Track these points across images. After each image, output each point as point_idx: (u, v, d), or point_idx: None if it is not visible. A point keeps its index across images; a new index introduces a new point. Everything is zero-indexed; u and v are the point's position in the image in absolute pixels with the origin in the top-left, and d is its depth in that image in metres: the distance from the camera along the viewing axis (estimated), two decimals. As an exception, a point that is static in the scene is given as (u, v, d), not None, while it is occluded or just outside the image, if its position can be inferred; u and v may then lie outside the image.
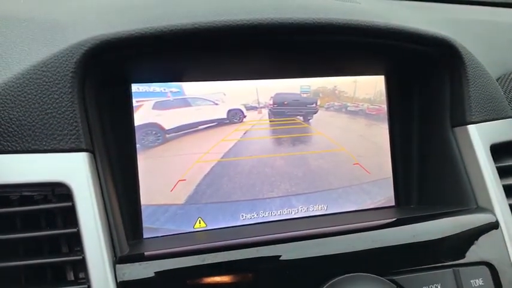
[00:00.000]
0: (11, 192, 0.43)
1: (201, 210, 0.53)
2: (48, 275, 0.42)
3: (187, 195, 0.52)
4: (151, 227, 0.51)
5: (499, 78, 0.78)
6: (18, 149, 0.42)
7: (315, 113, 0.58)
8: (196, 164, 0.53)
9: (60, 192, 0.42)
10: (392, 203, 0.61)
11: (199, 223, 0.53)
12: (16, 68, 0.44)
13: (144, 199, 0.51)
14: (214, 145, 0.54)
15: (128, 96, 0.52)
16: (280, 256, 0.44)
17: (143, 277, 0.41)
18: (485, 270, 0.48)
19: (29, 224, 0.43)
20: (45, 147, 0.42)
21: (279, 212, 0.55)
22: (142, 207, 0.51)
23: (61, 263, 0.41)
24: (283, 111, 0.57)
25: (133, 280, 0.40)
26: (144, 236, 0.51)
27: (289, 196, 0.56)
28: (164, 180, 0.52)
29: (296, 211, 0.56)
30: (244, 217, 0.54)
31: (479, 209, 0.52)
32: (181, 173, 0.52)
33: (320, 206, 0.57)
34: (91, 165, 0.43)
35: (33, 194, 0.43)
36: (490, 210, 0.52)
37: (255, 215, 0.55)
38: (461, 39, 0.58)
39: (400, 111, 0.61)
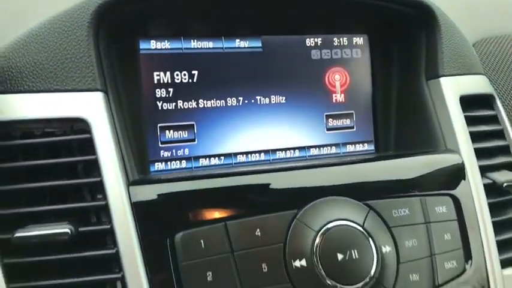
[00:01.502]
0: (35, 128, 0.49)
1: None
2: (68, 197, 0.48)
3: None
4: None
5: (475, 43, 0.85)
6: (41, 89, 0.49)
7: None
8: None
9: (78, 127, 0.49)
10: (372, 149, 0.68)
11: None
12: (40, 19, 0.50)
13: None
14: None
15: (135, 48, 0.58)
16: (269, 184, 0.50)
17: (153, 198, 0.47)
18: (449, 200, 0.55)
19: (51, 155, 0.49)
20: (65, 88, 0.49)
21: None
22: (148, 143, 0.58)
23: (80, 184, 0.48)
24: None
25: (145, 201, 0.47)
26: (151, 170, 0.58)
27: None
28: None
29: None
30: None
31: (448, 151, 0.59)
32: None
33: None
34: (105, 103, 0.50)
35: (54, 130, 0.50)
36: (456, 152, 0.58)
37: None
38: (440, 3, 0.65)
39: (381, 67, 0.68)
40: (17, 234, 0.44)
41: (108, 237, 0.46)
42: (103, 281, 0.45)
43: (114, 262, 0.45)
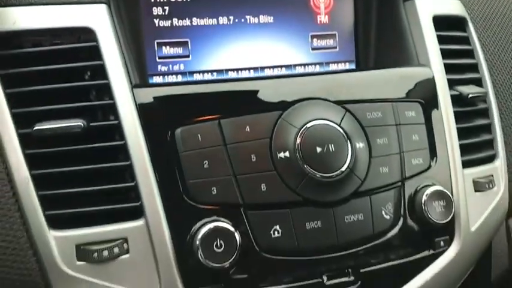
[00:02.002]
0: (44, 39, 0.54)
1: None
2: (77, 100, 0.54)
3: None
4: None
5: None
6: (51, 1, 0.54)
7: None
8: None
9: (84, 38, 0.54)
10: (354, 67, 0.74)
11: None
12: None
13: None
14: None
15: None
16: (258, 89, 0.57)
17: (155, 98, 0.53)
18: (418, 106, 0.62)
19: (60, 63, 0.55)
20: (72, 0, 0.54)
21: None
22: (147, 57, 0.63)
23: (89, 86, 0.54)
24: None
25: (149, 101, 0.53)
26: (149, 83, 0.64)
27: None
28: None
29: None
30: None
31: (420, 65, 0.65)
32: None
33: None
34: (109, 14, 0.55)
35: (62, 41, 0.55)
36: (428, 66, 0.65)
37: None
38: None
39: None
40: (36, 127, 0.50)
41: (116, 132, 0.52)
42: (114, 168, 0.51)
43: (123, 153, 0.52)
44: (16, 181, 0.50)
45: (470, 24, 0.73)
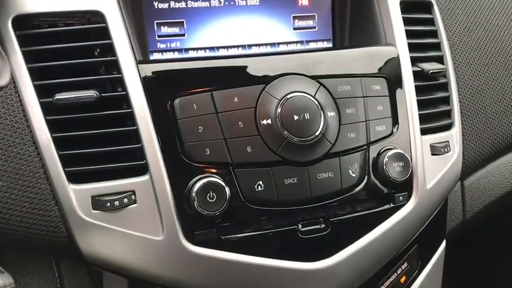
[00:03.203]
0: (58, 20, 0.63)
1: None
2: (88, 74, 0.63)
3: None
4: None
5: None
6: (64, -13, 0.62)
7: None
8: None
9: (94, 19, 0.63)
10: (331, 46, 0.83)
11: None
12: None
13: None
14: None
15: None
16: (246, 65, 0.66)
17: (157, 73, 0.62)
18: (383, 80, 0.71)
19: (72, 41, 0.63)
20: (84, -14, 0.62)
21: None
22: (148, 35, 0.71)
23: (99, 62, 0.62)
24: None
25: (152, 75, 0.62)
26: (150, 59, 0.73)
27: None
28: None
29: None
30: None
31: (387, 44, 0.75)
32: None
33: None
34: None
35: (74, 22, 0.63)
36: (394, 45, 0.74)
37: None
38: None
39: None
40: (57, 97, 0.59)
41: (124, 101, 0.61)
42: (122, 132, 0.61)
43: (130, 119, 0.61)
44: (39, 143, 0.59)
45: (435, 7, 0.82)
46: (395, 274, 0.75)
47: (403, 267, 0.75)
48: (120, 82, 0.61)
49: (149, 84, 0.62)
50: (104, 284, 0.65)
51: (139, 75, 0.62)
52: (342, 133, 0.67)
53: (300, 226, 0.66)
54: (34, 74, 0.60)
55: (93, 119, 0.61)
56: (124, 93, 0.61)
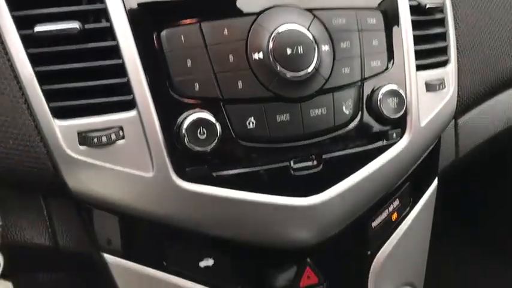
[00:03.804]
0: None
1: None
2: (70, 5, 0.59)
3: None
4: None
5: None
6: None
7: None
8: None
9: None
10: None
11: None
12: None
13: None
14: None
15: None
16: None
17: (143, 3, 0.59)
18: (379, 14, 0.68)
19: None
20: None
21: None
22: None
23: None
24: None
25: (137, 7, 0.58)
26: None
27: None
28: None
29: None
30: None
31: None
32: None
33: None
34: None
35: None
36: None
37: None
38: None
39: None
40: (37, 29, 0.56)
41: (109, 34, 0.59)
42: (108, 67, 0.58)
43: (115, 53, 0.59)
44: (21, 77, 0.57)
45: None
46: (387, 211, 0.75)
47: (394, 204, 0.76)
48: (104, 13, 0.58)
49: (134, 15, 0.59)
50: (95, 221, 0.65)
51: (124, 6, 0.58)
52: (336, 68, 0.65)
53: (291, 163, 0.65)
54: (12, 3, 0.57)
55: (77, 53, 0.58)
56: (108, 25, 0.58)
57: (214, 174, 0.62)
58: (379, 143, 0.69)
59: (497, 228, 1.66)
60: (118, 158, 0.59)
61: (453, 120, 0.82)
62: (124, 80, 0.59)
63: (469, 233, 1.76)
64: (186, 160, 0.60)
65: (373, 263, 0.75)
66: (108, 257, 0.65)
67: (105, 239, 0.65)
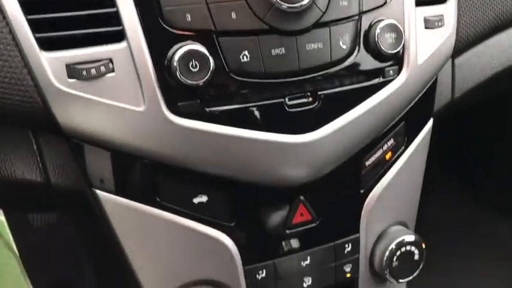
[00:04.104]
0: None
1: None
2: None
3: None
4: None
5: None
6: None
7: None
8: None
9: None
10: None
11: None
12: None
13: None
14: None
15: None
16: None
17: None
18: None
19: None
20: None
21: None
22: None
23: None
24: None
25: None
26: None
27: None
28: None
29: None
30: None
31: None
32: None
33: None
34: None
35: None
36: None
37: None
38: None
39: None
40: None
41: None
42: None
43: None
44: (5, 7, 0.54)
45: None
46: (381, 150, 0.75)
47: (389, 143, 0.75)
48: None
49: None
50: (86, 157, 0.64)
51: None
52: (334, 0, 0.62)
53: (286, 100, 0.64)
54: None
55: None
56: None
57: (207, 109, 0.60)
58: (376, 80, 0.68)
59: (488, 177, 1.68)
60: (108, 91, 0.57)
61: (450, 59, 0.80)
62: (113, 9, 0.56)
63: (457, 179, 1.78)
64: (178, 94, 0.59)
65: (366, 202, 0.75)
66: (101, 193, 0.64)
67: (98, 176, 0.64)
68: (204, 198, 0.66)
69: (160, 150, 0.62)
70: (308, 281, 0.74)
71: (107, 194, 0.65)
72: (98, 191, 0.64)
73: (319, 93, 0.65)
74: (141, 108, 0.58)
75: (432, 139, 0.83)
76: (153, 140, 0.61)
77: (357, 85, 0.67)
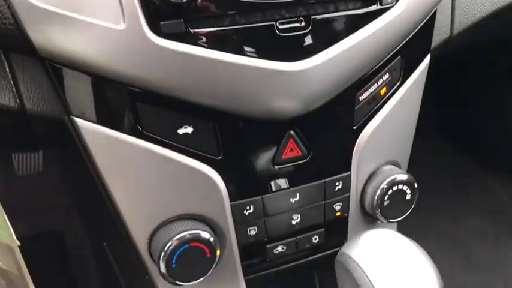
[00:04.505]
0: None
1: None
2: None
3: None
4: None
5: None
6: None
7: None
8: None
9: None
10: None
11: None
12: None
13: None
14: None
15: None
16: None
17: None
18: None
19: None
20: None
21: None
22: None
23: None
24: None
25: None
26: None
27: None
28: None
29: None
30: None
31: None
32: None
33: None
34: None
35: None
36: None
37: None
38: None
39: None
40: None
41: None
42: None
43: None
44: None
45: None
46: (376, 85, 0.71)
47: (384, 78, 0.72)
48: None
49: None
50: (64, 82, 0.60)
51: None
52: None
53: (277, 23, 0.60)
54: None
55: None
56: None
57: (191, 30, 0.56)
58: (373, 7, 0.64)
59: (481, 131, 1.66)
60: (85, 7, 0.53)
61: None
62: None
63: (449, 128, 1.77)
64: (161, 12, 0.54)
65: (359, 139, 0.73)
66: (80, 122, 0.61)
67: (77, 103, 0.61)
68: (189, 129, 0.63)
69: (140, 75, 0.58)
70: (297, 218, 0.72)
71: (86, 123, 0.61)
72: (78, 120, 0.61)
73: (313, 17, 0.61)
74: (120, 27, 0.54)
75: (428, 78, 0.80)
76: (133, 62, 0.57)
77: (353, 11, 0.63)
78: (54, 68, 0.59)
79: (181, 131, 0.63)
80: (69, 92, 0.60)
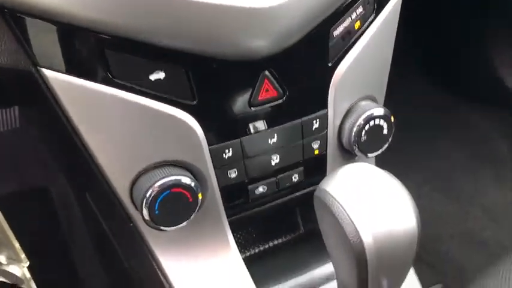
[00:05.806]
0: None
1: None
2: None
3: None
4: None
5: None
6: None
7: None
8: None
9: None
10: None
11: None
12: None
13: None
14: None
15: None
16: None
17: None
18: None
19: None
20: None
21: None
22: None
23: None
24: None
25: None
26: None
27: None
28: None
29: None
30: None
31: None
32: None
33: None
34: None
35: None
36: None
37: None
38: None
39: None
40: None
41: None
42: None
43: None
44: None
45: None
46: (350, 19, 0.70)
47: (358, 11, 0.70)
48: None
49: None
50: (28, 31, 0.57)
51: None
52: None
53: None
54: None
55: None
56: None
57: (157, -31, 0.54)
58: None
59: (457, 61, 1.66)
60: None
61: None
62: None
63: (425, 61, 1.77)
64: None
65: (334, 76, 0.72)
66: (48, 72, 0.59)
67: (43, 53, 0.59)
68: (161, 75, 0.62)
69: (107, 18, 0.56)
70: (276, 158, 0.73)
71: (56, 74, 0.59)
72: (45, 70, 0.59)
73: None
74: None
75: (403, 10, 0.78)
76: (99, 4, 0.55)
77: None
78: (15, 18, 0.56)
79: (153, 77, 0.61)
80: (33, 43, 0.58)
